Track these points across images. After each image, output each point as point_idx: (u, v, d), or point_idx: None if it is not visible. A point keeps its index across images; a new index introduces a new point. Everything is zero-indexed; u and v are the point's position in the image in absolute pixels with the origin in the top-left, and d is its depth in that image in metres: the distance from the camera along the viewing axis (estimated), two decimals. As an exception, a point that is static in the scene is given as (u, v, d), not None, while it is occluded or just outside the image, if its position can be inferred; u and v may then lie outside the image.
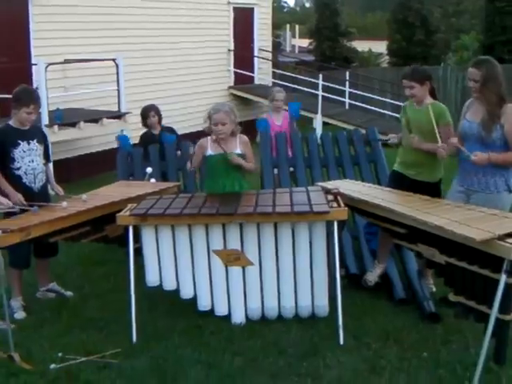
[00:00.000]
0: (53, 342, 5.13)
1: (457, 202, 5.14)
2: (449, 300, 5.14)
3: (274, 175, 7.38)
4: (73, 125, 12.00)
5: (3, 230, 4.79)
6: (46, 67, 11.58)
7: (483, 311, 4.32)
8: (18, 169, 5.69)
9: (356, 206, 5.45)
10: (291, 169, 7.38)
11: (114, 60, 12.87)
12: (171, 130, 8.21)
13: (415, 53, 26.68)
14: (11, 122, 5.77)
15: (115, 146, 11.54)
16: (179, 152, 7.58)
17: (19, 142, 5.69)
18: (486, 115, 5.09)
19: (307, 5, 68.80)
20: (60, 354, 4.85)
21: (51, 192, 6.17)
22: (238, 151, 5.60)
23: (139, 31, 14.65)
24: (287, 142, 7.55)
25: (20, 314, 5.72)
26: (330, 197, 5.36)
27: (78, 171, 12.58)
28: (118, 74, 12.94)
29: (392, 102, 18.31)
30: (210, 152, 5.61)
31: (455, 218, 4.48)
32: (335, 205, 5.17)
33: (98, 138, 13.13)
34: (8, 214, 5.47)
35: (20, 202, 5.52)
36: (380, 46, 32.41)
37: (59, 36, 12.78)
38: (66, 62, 12.70)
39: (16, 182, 5.65)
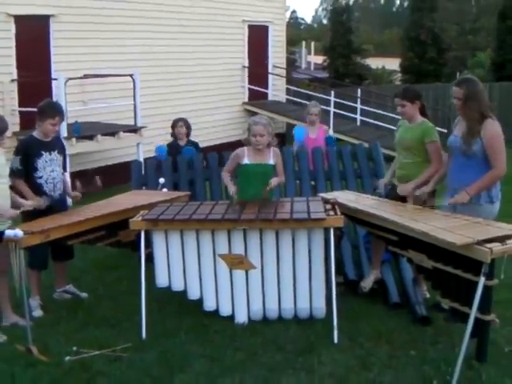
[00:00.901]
0: (68, 338, 5.52)
1: (445, 212, 5.50)
2: (441, 306, 5.56)
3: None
4: (90, 138, 12.43)
5: (25, 231, 5.20)
6: (66, 82, 12.03)
7: (466, 312, 4.66)
8: (40, 177, 6.10)
9: (353, 215, 5.82)
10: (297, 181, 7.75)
11: (131, 75, 13.30)
12: (195, 144, 8.63)
13: (427, 70, 27.01)
14: (35, 134, 6.19)
15: (131, 158, 12.00)
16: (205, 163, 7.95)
17: (42, 152, 6.10)
18: (465, 130, 5.44)
19: (324, 21, 69.32)
20: (74, 348, 5.23)
21: (69, 201, 6.54)
22: (272, 162, 6.08)
23: (156, 47, 15.12)
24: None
25: (38, 312, 6.09)
26: (329, 206, 5.74)
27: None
28: (134, 89, 13.38)
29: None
30: (246, 161, 6.03)
31: (441, 225, 4.86)
32: (332, 213, 5.55)
33: (114, 150, 13.56)
34: (26, 216, 5.86)
35: (40, 204, 5.91)
36: (393, 63, 32.80)
37: (78, 52, 13.25)
38: (85, 77, 13.13)
39: (37, 189, 6.06)
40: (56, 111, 6.19)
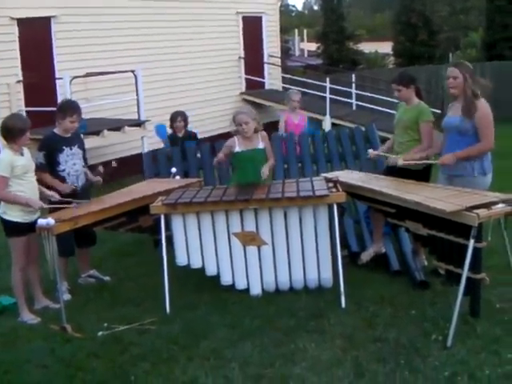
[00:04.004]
0: (98, 316, 6.02)
1: (440, 184, 6.02)
2: (438, 271, 6.08)
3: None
4: (97, 133, 12.86)
5: (57, 219, 5.70)
6: (71, 80, 12.47)
7: (460, 273, 5.16)
8: (63, 171, 6.59)
9: (354, 192, 6.33)
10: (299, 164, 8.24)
11: (132, 71, 13.70)
12: (194, 136, 9.21)
13: (419, 53, 27.35)
14: (56, 131, 6.68)
15: (137, 151, 12.46)
16: (199, 155, 8.44)
17: (63, 147, 6.60)
18: (464, 106, 5.95)
19: (315, 7, 69.39)
20: (105, 324, 5.74)
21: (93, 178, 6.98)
22: (261, 146, 6.55)
23: (155, 43, 15.52)
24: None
25: (66, 296, 6.55)
26: (331, 184, 6.25)
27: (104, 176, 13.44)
28: (136, 84, 13.78)
29: (398, 101, 18.94)
30: (237, 149, 6.51)
31: (432, 195, 5.38)
32: (334, 190, 6.06)
33: (120, 145, 13.99)
34: (53, 207, 6.34)
35: (67, 189, 6.43)
36: (386, 47, 33.11)
37: (80, 51, 13.65)
38: (88, 75, 13.55)
39: (61, 182, 6.54)
40: (75, 109, 6.68)
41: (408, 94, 6.60)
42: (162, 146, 9.52)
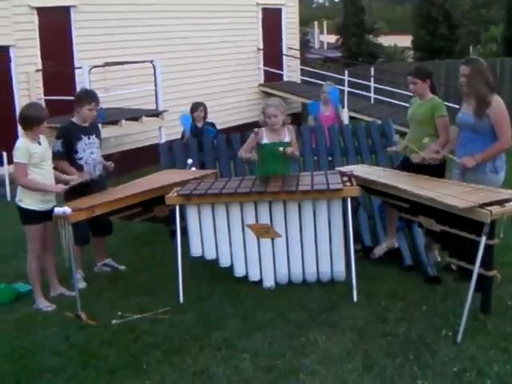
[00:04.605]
0: (112, 305, 6.09)
1: (453, 181, 6.03)
2: (451, 268, 6.09)
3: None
4: (115, 123, 12.97)
5: (73, 208, 5.78)
6: (90, 70, 12.57)
7: (472, 269, 5.17)
8: (80, 159, 6.67)
9: (368, 186, 6.35)
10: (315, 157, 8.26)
11: (151, 62, 13.80)
12: (212, 125, 9.25)
13: (439, 47, 27.21)
14: (74, 120, 6.75)
15: (154, 142, 12.54)
16: (215, 142, 8.51)
17: (81, 136, 6.67)
18: (476, 104, 5.94)
19: (336, -1, 69.20)
20: (119, 313, 5.81)
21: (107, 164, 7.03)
22: (287, 139, 6.59)
23: (174, 33, 15.64)
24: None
25: (82, 284, 6.62)
26: (345, 178, 6.28)
27: (120, 166, 13.53)
28: (155, 74, 13.88)
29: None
30: (265, 140, 6.55)
31: (446, 191, 5.39)
32: (348, 184, 6.09)
33: (138, 134, 14.11)
34: (69, 195, 6.39)
35: (84, 177, 6.48)
36: (406, 41, 32.98)
37: (99, 40, 13.79)
38: (107, 64, 13.65)
39: (78, 170, 6.61)
40: (92, 98, 6.75)
41: (423, 87, 6.59)
42: (180, 135, 9.50)
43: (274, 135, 6.58)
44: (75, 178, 6.36)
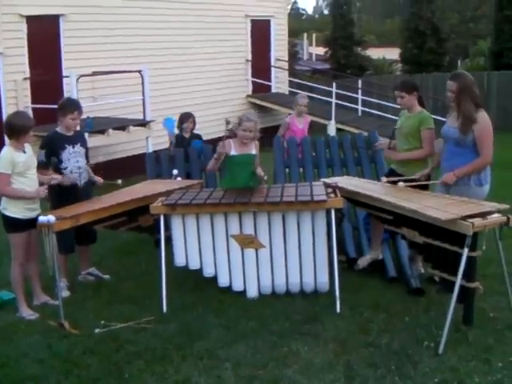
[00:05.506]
0: (96, 314, 6.08)
1: (437, 193, 6.07)
2: (434, 279, 6.13)
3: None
4: (102, 132, 12.94)
5: (58, 217, 5.77)
6: (78, 79, 12.55)
7: (454, 281, 5.21)
8: (65, 169, 6.65)
9: (352, 198, 6.38)
10: (301, 169, 8.27)
11: (139, 71, 13.76)
12: (199, 137, 9.21)
13: (427, 60, 27.32)
14: (58, 129, 6.75)
15: (141, 151, 12.53)
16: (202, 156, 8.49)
17: (66, 145, 6.66)
18: (461, 120, 5.98)
19: (326, 12, 69.46)
20: (102, 322, 5.80)
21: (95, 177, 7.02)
22: (254, 152, 6.56)
23: (162, 44, 15.62)
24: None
25: (65, 293, 6.59)
26: (330, 190, 6.31)
27: (107, 175, 13.52)
28: (143, 84, 13.83)
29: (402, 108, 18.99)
30: (233, 152, 6.55)
31: (429, 203, 5.44)
32: (333, 196, 6.12)
33: (124, 144, 14.07)
34: (55, 203, 6.42)
35: (67, 181, 6.50)
36: (394, 53, 33.14)
37: (88, 50, 13.74)
38: (95, 74, 13.63)
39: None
40: (75, 106, 6.75)
41: (410, 101, 6.64)
42: (167, 145, 9.41)
43: (243, 147, 6.51)
44: (56, 177, 6.38)
